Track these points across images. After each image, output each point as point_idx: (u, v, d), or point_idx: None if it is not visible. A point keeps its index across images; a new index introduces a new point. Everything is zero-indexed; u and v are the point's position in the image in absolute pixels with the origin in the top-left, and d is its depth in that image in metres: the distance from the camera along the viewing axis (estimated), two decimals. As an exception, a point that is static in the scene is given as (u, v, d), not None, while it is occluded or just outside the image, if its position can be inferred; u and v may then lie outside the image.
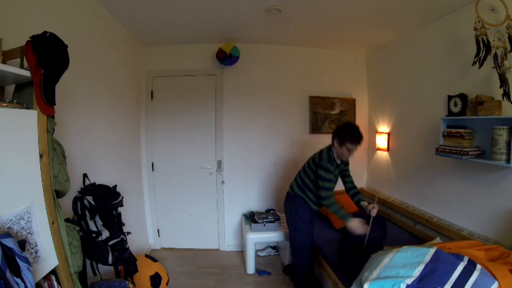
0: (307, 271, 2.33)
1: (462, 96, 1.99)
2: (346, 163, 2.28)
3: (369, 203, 2.13)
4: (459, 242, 1.57)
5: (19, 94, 1.16)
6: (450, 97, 2.09)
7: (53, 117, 1.25)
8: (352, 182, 2.36)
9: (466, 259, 1.25)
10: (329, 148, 2.14)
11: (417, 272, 1.22)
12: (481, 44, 1.74)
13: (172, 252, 3.27)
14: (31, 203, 1.08)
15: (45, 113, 1.17)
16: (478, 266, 1.20)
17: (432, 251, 1.29)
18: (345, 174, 2.34)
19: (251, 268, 2.81)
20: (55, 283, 1.17)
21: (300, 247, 2.29)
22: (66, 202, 1.62)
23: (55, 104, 1.21)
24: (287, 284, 2.62)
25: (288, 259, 2.83)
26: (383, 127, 3.18)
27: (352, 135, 1.99)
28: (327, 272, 2.19)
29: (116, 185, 1.96)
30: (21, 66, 1.11)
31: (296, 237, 2.28)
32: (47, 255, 1.14)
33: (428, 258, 1.26)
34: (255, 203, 3.31)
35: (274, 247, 3.25)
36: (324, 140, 3.40)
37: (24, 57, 1.10)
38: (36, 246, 1.08)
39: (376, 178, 3.37)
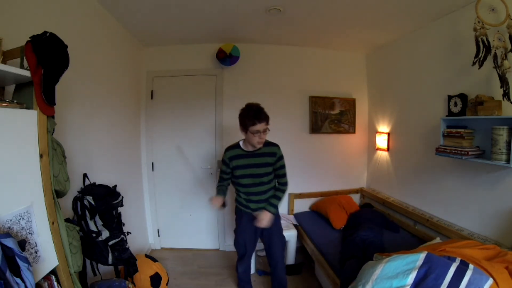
0: (241, 278, 2.29)
1: (462, 96, 1.99)
2: (278, 158, 1.99)
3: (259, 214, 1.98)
4: (455, 242, 1.56)
5: (19, 94, 1.16)
6: (450, 97, 2.09)
7: (53, 117, 1.25)
8: (284, 184, 2.07)
9: (458, 260, 1.25)
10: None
11: (410, 280, 1.21)
12: (481, 45, 1.74)
13: (172, 252, 3.27)
14: (31, 203, 1.08)
15: (45, 113, 1.17)
16: (471, 266, 1.20)
17: (422, 256, 1.28)
18: (278, 174, 2.06)
19: (251, 268, 2.81)
20: (55, 283, 1.17)
21: (236, 252, 2.24)
22: (66, 202, 1.62)
23: (55, 104, 1.21)
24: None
25: (289, 259, 2.83)
26: (383, 127, 3.18)
27: (247, 115, 1.82)
28: (327, 272, 2.20)
29: (116, 185, 1.96)
30: (21, 66, 1.11)
31: (234, 243, 2.23)
32: (47, 255, 1.14)
33: (419, 263, 1.26)
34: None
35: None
36: (324, 140, 3.42)
37: (24, 57, 1.10)
38: (36, 246, 1.09)
39: (376, 178, 3.37)
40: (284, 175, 2.07)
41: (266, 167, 1.98)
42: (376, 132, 3.28)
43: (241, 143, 2.01)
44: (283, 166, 2.05)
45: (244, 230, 2.11)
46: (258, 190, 2.00)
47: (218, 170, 3.25)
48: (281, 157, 2.03)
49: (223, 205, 2.03)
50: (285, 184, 2.08)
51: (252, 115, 1.81)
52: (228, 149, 2.02)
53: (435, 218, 2.31)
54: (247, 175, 1.97)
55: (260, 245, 3.19)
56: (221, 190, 2.07)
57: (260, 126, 1.82)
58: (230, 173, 2.03)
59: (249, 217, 2.06)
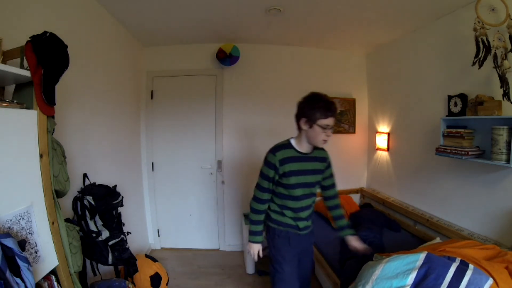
0: None
1: (462, 96, 1.99)
2: (328, 165, 1.66)
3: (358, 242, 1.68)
4: (454, 242, 1.56)
5: (19, 94, 1.17)
6: (450, 97, 2.09)
7: (53, 117, 1.26)
8: (335, 196, 1.73)
9: (458, 260, 1.25)
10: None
11: (410, 280, 1.21)
12: (481, 45, 1.74)
13: (172, 252, 3.27)
14: (31, 203, 1.08)
15: (45, 113, 1.17)
16: (471, 266, 1.20)
17: (422, 256, 1.28)
18: (326, 185, 1.70)
19: (251, 268, 2.81)
20: (55, 283, 1.17)
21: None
22: (66, 202, 1.63)
23: (55, 104, 1.21)
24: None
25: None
26: (383, 127, 3.18)
27: (317, 106, 1.46)
28: (327, 272, 2.20)
29: (116, 185, 1.96)
30: (21, 66, 1.11)
31: (275, 280, 1.61)
32: (47, 255, 1.14)
33: (419, 263, 1.26)
34: (255, 203, 3.30)
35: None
36: (324, 140, 3.42)
37: (24, 57, 1.10)
38: (36, 246, 1.09)
39: (376, 178, 3.37)
40: (335, 185, 1.73)
41: (317, 175, 1.61)
42: (376, 132, 3.28)
43: (292, 141, 1.58)
44: (333, 174, 1.71)
45: (292, 259, 1.60)
46: (307, 204, 1.59)
47: (218, 170, 3.25)
48: (330, 163, 1.68)
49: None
50: (338, 196, 1.75)
51: (324, 106, 1.45)
52: (278, 148, 1.54)
53: (435, 218, 2.31)
54: (300, 184, 1.52)
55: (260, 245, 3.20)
56: (259, 222, 1.59)
57: (331, 120, 1.46)
58: (274, 181, 1.56)
59: (299, 240, 1.60)
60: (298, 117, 1.54)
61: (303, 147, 1.56)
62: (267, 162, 1.54)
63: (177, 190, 3.29)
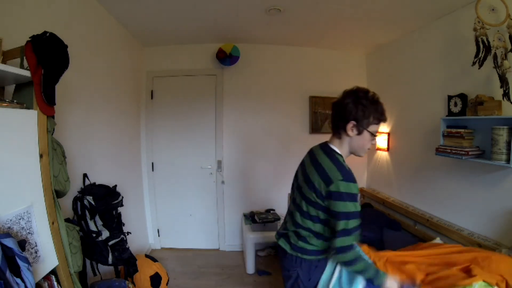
0: None
1: (462, 96, 1.99)
2: None
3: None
4: (403, 253, 1.46)
5: (19, 94, 1.17)
6: (450, 97, 2.09)
7: (53, 117, 1.26)
8: None
9: None
10: (332, 151, 1.27)
11: None
12: (481, 45, 1.74)
13: (172, 252, 3.27)
14: (31, 203, 1.08)
15: (45, 113, 1.17)
16: None
17: None
18: None
19: (251, 268, 2.81)
20: (55, 283, 1.17)
21: None
22: (66, 202, 1.63)
23: (55, 104, 1.21)
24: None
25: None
26: (383, 127, 3.18)
27: (373, 108, 1.18)
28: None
29: (116, 185, 1.97)
30: (21, 66, 1.11)
31: None
32: (47, 255, 1.14)
33: None
34: (255, 203, 3.30)
35: (274, 247, 3.25)
36: (324, 140, 3.41)
37: (24, 57, 1.10)
38: (36, 246, 1.08)
39: (376, 178, 3.37)
40: None
41: None
42: (376, 132, 3.27)
43: (340, 153, 1.26)
44: None
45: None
46: None
47: (218, 170, 3.25)
48: None
49: None
50: None
51: (378, 109, 1.19)
52: (350, 172, 1.18)
53: (435, 218, 2.31)
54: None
55: (259, 245, 3.20)
56: (369, 264, 1.18)
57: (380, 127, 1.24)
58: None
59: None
60: (343, 120, 1.21)
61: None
62: (353, 197, 1.12)
63: (177, 190, 3.29)
